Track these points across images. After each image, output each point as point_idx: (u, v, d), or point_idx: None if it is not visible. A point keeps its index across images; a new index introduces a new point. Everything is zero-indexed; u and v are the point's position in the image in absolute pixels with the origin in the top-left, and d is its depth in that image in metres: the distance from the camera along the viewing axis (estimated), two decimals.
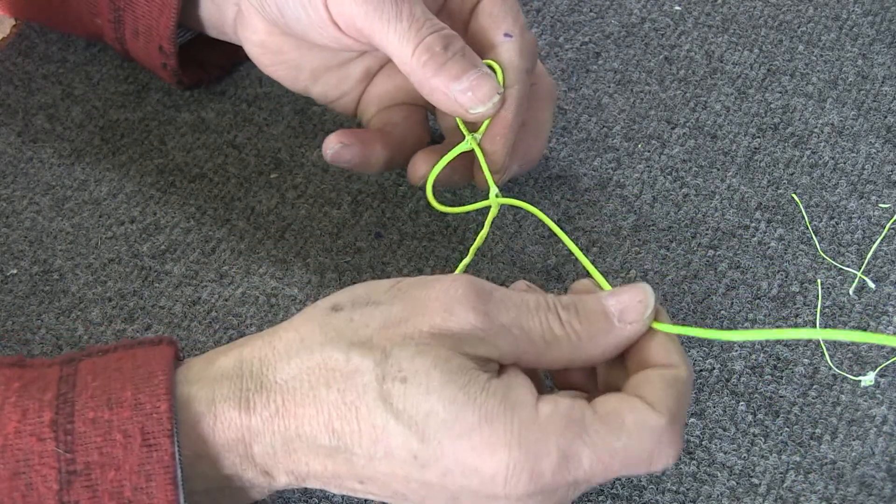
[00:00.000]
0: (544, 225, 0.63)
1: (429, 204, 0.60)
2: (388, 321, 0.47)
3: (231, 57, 0.69)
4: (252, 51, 0.63)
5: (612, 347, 0.48)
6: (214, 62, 0.69)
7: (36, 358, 0.48)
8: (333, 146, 0.60)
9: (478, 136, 0.58)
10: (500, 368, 0.47)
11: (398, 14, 0.55)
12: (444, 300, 0.47)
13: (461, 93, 0.56)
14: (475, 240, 0.62)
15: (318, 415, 0.46)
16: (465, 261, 0.56)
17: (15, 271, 0.62)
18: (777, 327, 0.59)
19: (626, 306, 0.48)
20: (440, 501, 0.47)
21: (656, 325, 0.48)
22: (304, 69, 0.62)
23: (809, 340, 0.58)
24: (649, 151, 0.66)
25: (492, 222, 0.57)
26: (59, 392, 0.45)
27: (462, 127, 0.59)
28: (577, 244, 0.62)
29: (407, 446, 0.45)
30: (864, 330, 0.59)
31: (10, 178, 0.66)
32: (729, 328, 0.59)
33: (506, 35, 0.58)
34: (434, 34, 0.56)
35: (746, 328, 0.59)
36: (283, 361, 0.47)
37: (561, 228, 0.63)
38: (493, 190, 0.57)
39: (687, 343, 0.58)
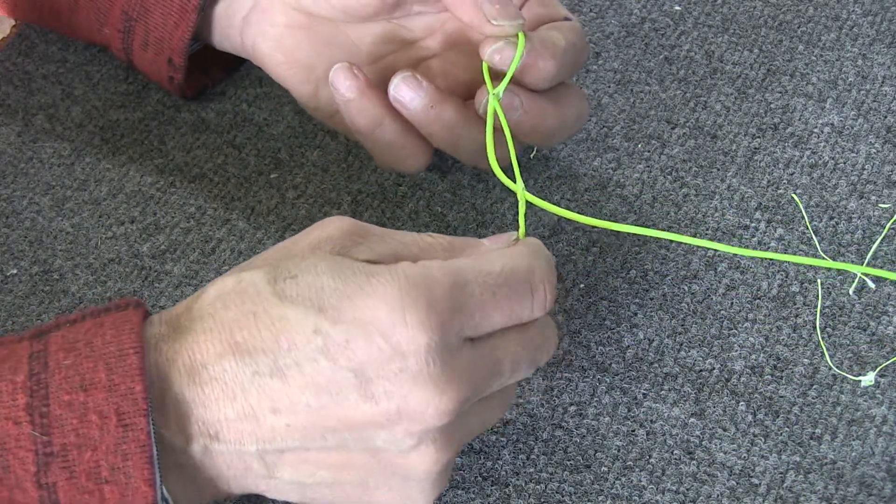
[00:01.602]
0: (544, 225, 0.63)
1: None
2: (272, 252, 0.50)
3: (234, 64, 0.69)
4: (265, 48, 0.62)
5: None
6: (217, 68, 0.69)
7: (6, 335, 0.48)
8: (404, 72, 0.58)
9: (499, 91, 0.56)
10: None
11: None
12: (321, 225, 0.50)
13: (488, 3, 0.56)
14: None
15: (220, 335, 0.46)
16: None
17: (15, 271, 0.62)
18: (777, 327, 0.59)
19: (498, 239, 0.52)
20: (354, 391, 0.46)
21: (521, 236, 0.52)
22: (316, 69, 0.62)
23: (810, 340, 0.58)
24: (649, 151, 0.66)
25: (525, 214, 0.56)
26: (32, 372, 0.45)
27: (495, 106, 0.57)
28: (576, 244, 0.62)
29: (307, 324, 0.46)
30: (864, 330, 0.59)
31: (10, 178, 0.66)
32: (729, 328, 0.59)
33: (566, 18, 0.60)
34: None
35: (746, 326, 0.59)
36: (184, 313, 0.48)
37: (561, 228, 0.63)
38: (520, 186, 0.54)
39: (687, 344, 0.58)
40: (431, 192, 0.65)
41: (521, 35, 0.57)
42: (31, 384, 0.45)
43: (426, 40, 0.62)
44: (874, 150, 0.66)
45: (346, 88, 0.58)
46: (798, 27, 0.72)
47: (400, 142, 0.59)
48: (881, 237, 0.62)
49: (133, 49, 0.65)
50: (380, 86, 0.59)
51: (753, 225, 0.63)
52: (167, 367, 0.46)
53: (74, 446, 0.44)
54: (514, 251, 0.50)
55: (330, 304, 0.46)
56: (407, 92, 0.58)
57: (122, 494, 0.45)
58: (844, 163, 0.65)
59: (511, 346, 0.49)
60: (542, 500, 0.54)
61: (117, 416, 0.45)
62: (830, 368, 0.58)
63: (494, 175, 0.55)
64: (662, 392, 0.57)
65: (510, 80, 0.57)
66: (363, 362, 0.46)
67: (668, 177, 0.65)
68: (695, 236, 0.62)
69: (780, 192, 0.64)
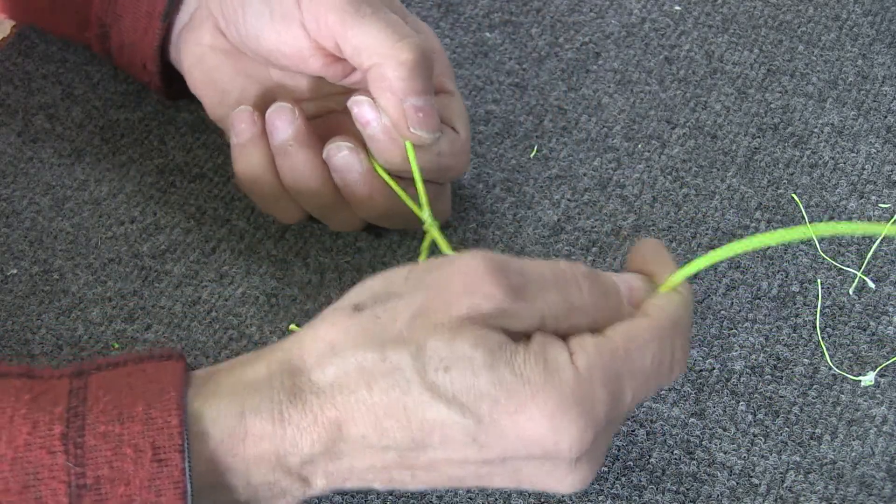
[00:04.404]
0: (544, 225, 0.63)
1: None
2: (414, 312, 0.46)
3: None
4: (186, 64, 0.62)
5: (618, 319, 0.49)
6: None
7: (44, 368, 0.48)
8: (285, 103, 0.59)
9: (427, 217, 0.57)
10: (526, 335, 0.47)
11: (377, 11, 0.56)
12: (467, 281, 0.46)
13: (414, 109, 0.56)
14: (474, 240, 0.62)
15: (365, 417, 0.45)
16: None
17: (15, 271, 0.62)
18: (777, 327, 0.59)
19: (634, 289, 0.50)
20: (501, 477, 0.47)
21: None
22: (231, 94, 0.62)
23: (810, 340, 0.58)
24: (649, 151, 0.66)
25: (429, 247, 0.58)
26: (70, 405, 0.45)
27: (417, 196, 0.58)
28: (576, 244, 0.62)
29: (464, 431, 0.45)
30: (864, 330, 0.59)
31: (10, 178, 0.66)
32: (729, 328, 0.59)
33: (452, 129, 0.59)
34: (418, 41, 0.56)
35: (746, 326, 0.59)
36: (316, 371, 0.46)
37: (561, 228, 0.63)
38: (427, 217, 0.57)
39: None
40: None
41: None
42: (69, 415, 0.45)
43: (343, 96, 0.62)
44: (874, 150, 0.66)
45: (240, 131, 0.59)
46: (798, 27, 0.72)
47: (276, 194, 0.60)
48: (881, 237, 0.62)
49: (112, 52, 0.66)
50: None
51: (753, 225, 0.63)
52: (297, 435, 0.46)
53: (108, 479, 0.44)
54: (664, 335, 0.48)
55: (490, 417, 0.45)
56: (277, 121, 0.58)
57: None
58: (844, 163, 0.65)
59: (642, 397, 0.49)
60: (543, 499, 0.54)
61: (153, 450, 0.44)
62: (830, 368, 0.58)
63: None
64: (662, 392, 0.57)
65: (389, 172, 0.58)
66: (517, 463, 0.47)
67: (668, 177, 0.65)
68: (694, 236, 0.62)
69: (780, 192, 0.64)
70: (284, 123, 0.58)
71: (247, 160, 0.59)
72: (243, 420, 0.46)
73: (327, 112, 0.62)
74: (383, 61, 0.55)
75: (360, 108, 0.57)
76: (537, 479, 0.47)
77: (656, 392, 0.52)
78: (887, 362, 0.58)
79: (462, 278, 0.47)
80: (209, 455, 0.46)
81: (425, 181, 0.58)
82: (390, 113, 0.56)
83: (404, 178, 0.58)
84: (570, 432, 0.45)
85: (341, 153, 0.58)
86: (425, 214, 0.57)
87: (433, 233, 0.57)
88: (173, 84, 0.66)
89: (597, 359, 0.46)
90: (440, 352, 0.45)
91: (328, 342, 0.47)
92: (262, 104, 0.61)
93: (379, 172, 0.58)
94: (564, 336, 0.47)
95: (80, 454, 0.44)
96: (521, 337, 0.47)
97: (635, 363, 0.47)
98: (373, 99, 0.57)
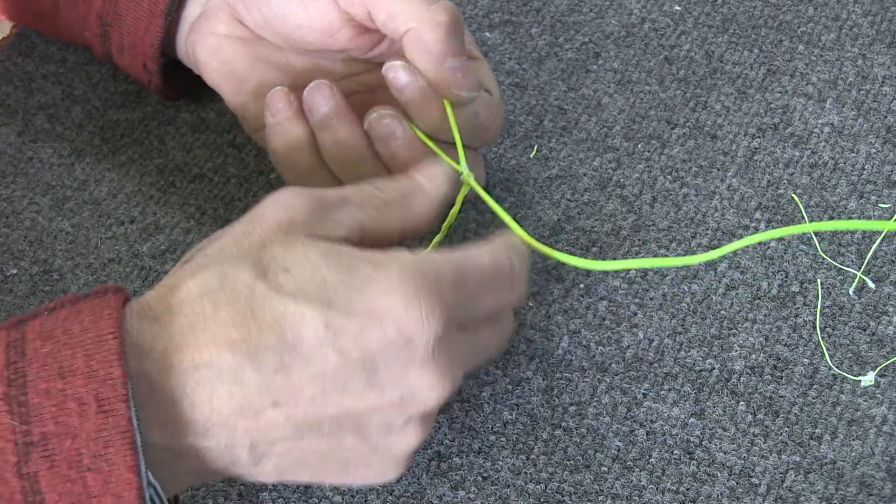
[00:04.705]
0: (544, 224, 0.63)
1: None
2: (237, 238, 0.48)
3: None
4: (202, 55, 0.62)
5: (430, 208, 0.53)
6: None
7: None
8: (321, 81, 0.59)
9: (465, 171, 0.58)
10: None
11: None
12: (276, 202, 0.49)
13: (453, 70, 0.57)
14: (474, 239, 0.62)
15: (215, 334, 0.45)
16: (438, 237, 0.59)
17: (15, 271, 0.62)
18: (777, 327, 0.59)
19: (428, 172, 0.54)
20: (360, 381, 0.46)
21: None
22: (249, 81, 0.62)
23: (810, 340, 0.58)
24: (649, 151, 0.66)
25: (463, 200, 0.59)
26: (9, 361, 0.45)
27: (461, 161, 0.59)
28: (576, 244, 0.63)
29: (315, 319, 0.45)
30: (864, 330, 0.59)
31: (10, 178, 0.66)
32: (729, 328, 0.59)
33: (486, 91, 0.60)
34: (449, 3, 0.57)
35: (746, 326, 0.59)
36: (164, 303, 0.47)
37: (561, 228, 0.63)
38: (464, 169, 0.58)
39: (687, 344, 0.58)
40: None
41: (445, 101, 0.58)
42: (9, 373, 0.44)
43: (363, 76, 0.63)
44: (874, 150, 0.66)
45: (277, 110, 0.59)
46: (798, 27, 0.72)
47: (314, 170, 0.60)
48: (881, 237, 0.62)
49: (112, 53, 0.66)
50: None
51: (753, 225, 0.63)
52: (149, 364, 0.45)
53: (54, 435, 0.44)
54: (497, 247, 0.51)
55: (338, 298, 0.46)
56: (318, 97, 0.59)
57: (106, 482, 0.44)
58: (844, 163, 0.65)
59: (487, 333, 0.51)
60: (542, 500, 0.54)
61: (97, 402, 0.44)
62: (830, 368, 0.58)
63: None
64: (662, 392, 0.57)
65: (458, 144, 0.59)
66: (373, 352, 0.46)
67: (668, 177, 0.65)
68: (694, 236, 0.63)
69: (780, 192, 0.64)
70: (324, 98, 0.59)
71: (284, 137, 0.60)
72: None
73: (347, 94, 0.62)
74: (419, 25, 0.56)
75: (396, 73, 0.58)
76: (396, 374, 0.46)
77: (507, 303, 0.52)
78: (887, 362, 0.58)
79: (271, 202, 0.49)
80: (151, 381, 0.45)
81: (463, 146, 0.59)
82: (430, 75, 0.57)
83: (441, 143, 0.59)
84: (419, 303, 0.46)
85: (384, 121, 0.58)
86: (463, 167, 0.58)
87: (470, 182, 0.58)
88: (171, 84, 0.66)
89: (433, 252, 0.49)
90: (277, 259, 0.47)
91: (164, 283, 0.48)
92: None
93: (419, 136, 0.59)
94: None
95: (24, 412, 0.44)
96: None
97: (473, 257, 0.49)
98: (406, 63, 0.58)
